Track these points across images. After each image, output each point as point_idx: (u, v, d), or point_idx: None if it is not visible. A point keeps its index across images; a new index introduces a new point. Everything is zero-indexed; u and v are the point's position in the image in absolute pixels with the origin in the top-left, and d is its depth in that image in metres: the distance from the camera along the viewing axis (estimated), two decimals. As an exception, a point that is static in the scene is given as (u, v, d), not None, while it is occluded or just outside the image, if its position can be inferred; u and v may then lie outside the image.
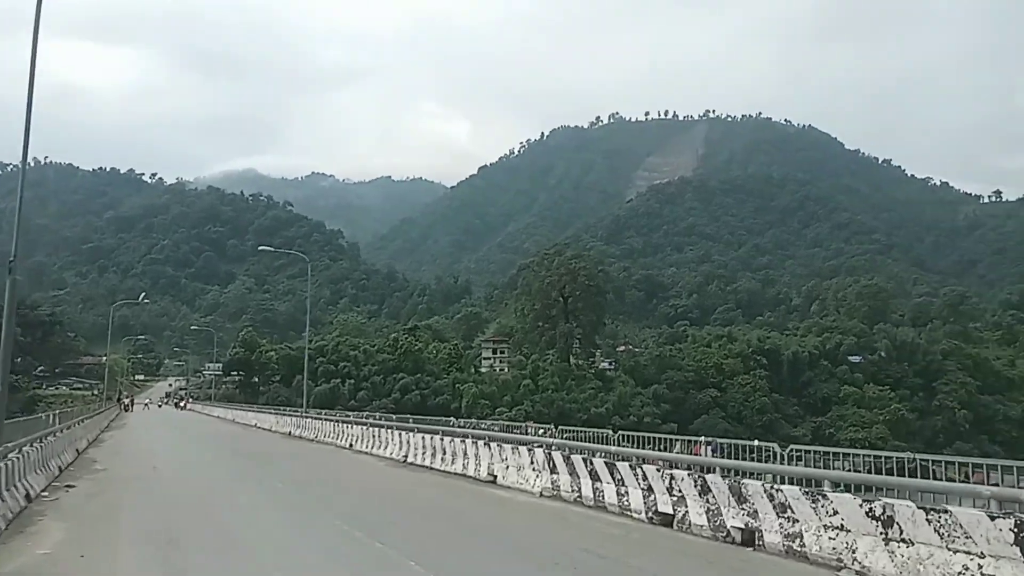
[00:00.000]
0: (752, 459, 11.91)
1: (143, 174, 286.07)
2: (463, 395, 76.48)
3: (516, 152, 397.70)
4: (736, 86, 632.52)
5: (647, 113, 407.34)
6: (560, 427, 21.10)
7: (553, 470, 15.14)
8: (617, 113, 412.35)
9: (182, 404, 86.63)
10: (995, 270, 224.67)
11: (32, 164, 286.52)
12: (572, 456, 14.82)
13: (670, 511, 11.63)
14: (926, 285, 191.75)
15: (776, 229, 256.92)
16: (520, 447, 16.97)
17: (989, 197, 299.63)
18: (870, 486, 10.01)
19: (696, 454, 13.98)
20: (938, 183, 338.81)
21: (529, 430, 20.27)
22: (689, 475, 11.54)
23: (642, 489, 12.37)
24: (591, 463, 14.08)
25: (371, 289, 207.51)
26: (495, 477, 17.44)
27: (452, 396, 77.95)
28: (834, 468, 10.88)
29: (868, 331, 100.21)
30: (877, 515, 8.55)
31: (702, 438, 14.22)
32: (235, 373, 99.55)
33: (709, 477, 11.13)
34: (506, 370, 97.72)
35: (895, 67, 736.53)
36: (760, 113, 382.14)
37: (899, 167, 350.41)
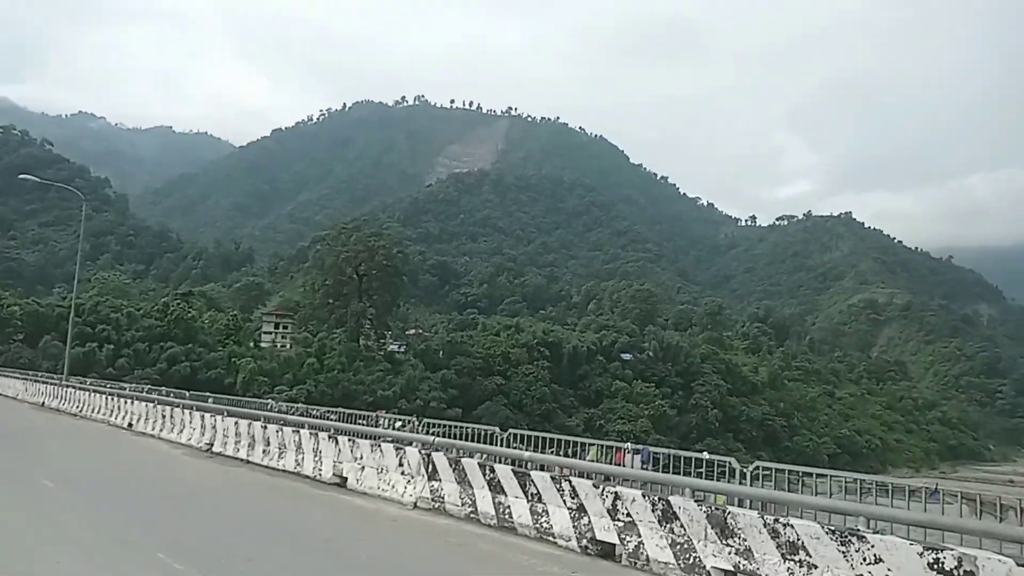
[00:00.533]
0: (696, 474, 10.39)
1: None
2: (239, 370, 71.56)
3: (315, 119, 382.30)
4: (539, 88, 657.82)
5: (452, 101, 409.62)
6: (343, 409, 19.36)
7: (433, 476, 12.58)
8: (423, 96, 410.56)
9: None
10: (745, 286, 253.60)
11: None
12: (464, 460, 12.25)
13: (613, 540, 9.46)
14: (688, 294, 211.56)
15: (563, 230, 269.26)
16: (384, 444, 14.13)
17: (746, 221, 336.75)
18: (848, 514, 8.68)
19: (618, 463, 12.35)
20: (705, 204, 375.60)
21: (382, 421, 18.05)
22: (645, 496, 9.38)
23: (569, 509, 10.14)
24: (492, 471, 11.50)
25: (138, 247, 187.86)
26: (344, 480, 14.56)
27: (227, 370, 72.67)
28: (815, 493, 9.68)
29: (638, 332, 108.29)
30: (948, 569, 6.45)
31: (627, 445, 12.41)
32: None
33: (676, 501, 9.03)
34: (289, 347, 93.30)
35: (680, 95, 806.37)
36: (559, 118, 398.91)
37: (674, 185, 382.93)
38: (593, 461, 12.42)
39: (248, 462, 17.56)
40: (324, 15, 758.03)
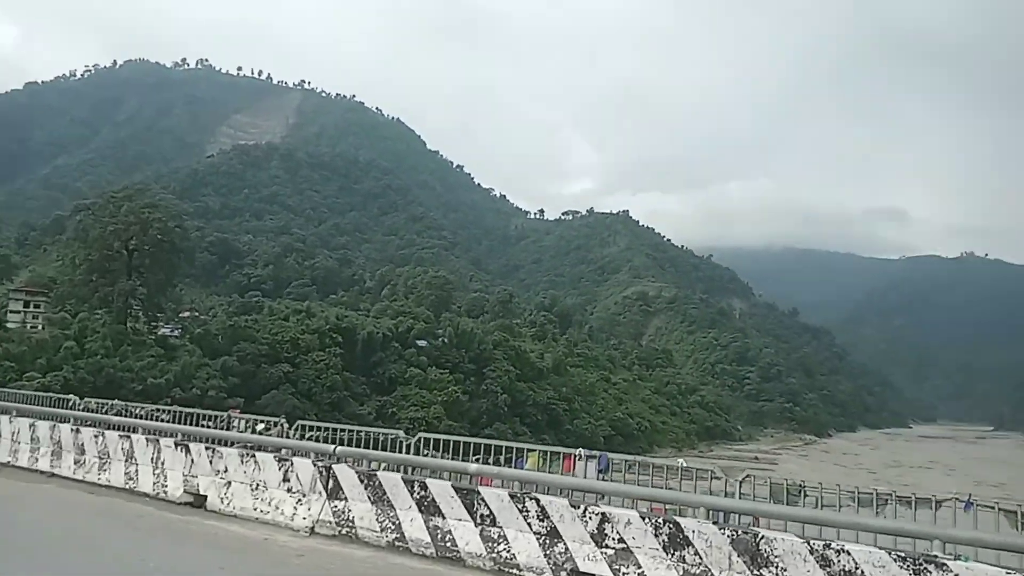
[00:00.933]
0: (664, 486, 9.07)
1: None
2: (-26, 355, 61.92)
3: (79, 75, 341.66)
4: (335, 64, 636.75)
5: (240, 68, 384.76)
6: (113, 399, 16.68)
7: (335, 494, 10.31)
8: (207, 60, 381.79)
9: None
10: (533, 276, 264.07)
11: None
12: (381, 475, 10.16)
13: (602, 572, 7.93)
14: (480, 282, 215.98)
15: (357, 212, 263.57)
16: (260, 454, 11.60)
17: (535, 214, 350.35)
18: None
19: (567, 472, 10.45)
20: (498, 195, 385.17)
21: (236, 421, 14.89)
22: (646, 518, 7.98)
23: (537, 534, 8.55)
24: (423, 488, 9.61)
25: None
26: (202, 498, 11.94)
27: (-38, 355, 62.59)
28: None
29: (434, 318, 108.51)
30: None
31: (579, 451, 10.48)
32: None
33: (689, 523, 7.70)
34: (42, 328, 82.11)
35: (477, 87, 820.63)
36: (355, 96, 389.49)
37: (469, 174, 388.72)
38: (532, 471, 10.78)
39: (55, 476, 14.25)
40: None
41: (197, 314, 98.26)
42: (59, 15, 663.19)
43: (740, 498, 8.72)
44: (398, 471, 10.69)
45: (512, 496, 8.96)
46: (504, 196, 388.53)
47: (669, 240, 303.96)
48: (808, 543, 6.95)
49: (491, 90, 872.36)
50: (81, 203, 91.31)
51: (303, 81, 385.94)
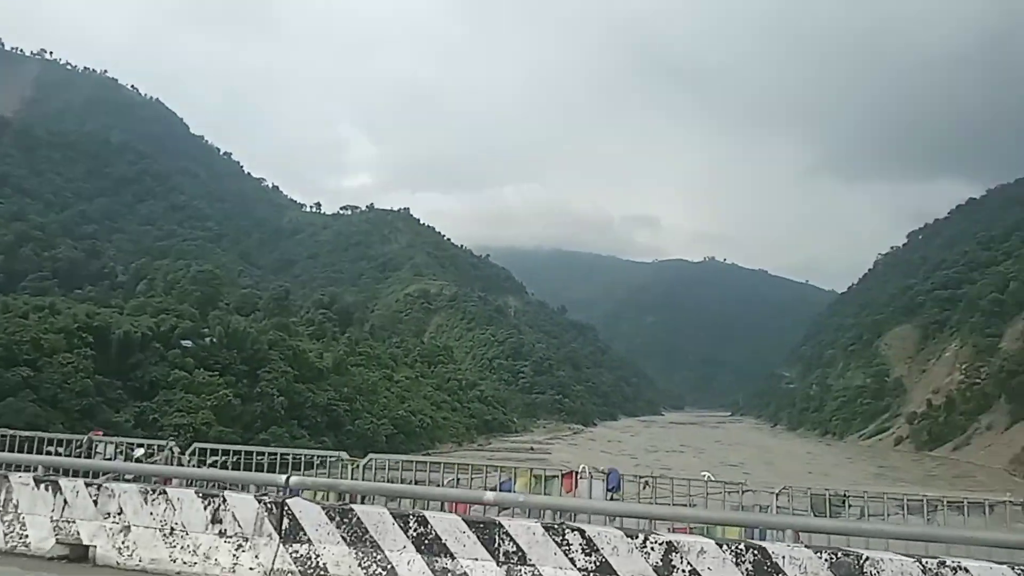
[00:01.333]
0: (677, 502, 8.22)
1: None
2: None
3: None
4: (81, 34, 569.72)
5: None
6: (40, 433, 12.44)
7: (293, 536, 8.24)
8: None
9: None
10: (308, 271, 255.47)
11: None
12: (359, 509, 8.22)
13: None
14: (251, 278, 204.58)
15: (108, 198, 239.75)
16: (173, 490, 9.21)
17: (311, 207, 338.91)
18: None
19: (568, 492, 9.16)
20: (270, 186, 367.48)
21: (102, 446, 11.68)
22: (722, 545, 6.81)
23: (583, 571, 7.13)
24: (422, 523, 7.85)
25: None
26: (85, 549, 9.15)
27: None
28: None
29: (200, 316, 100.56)
30: None
31: (583, 467, 9.24)
32: None
33: (776, 548, 6.62)
34: None
35: (248, 71, 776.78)
36: (106, 71, 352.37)
37: (238, 162, 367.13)
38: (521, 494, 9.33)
39: None
40: None
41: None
42: None
43: (777, 511, 8.15)
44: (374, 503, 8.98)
45: (547, 528, 7.51)
46: (277, 187, 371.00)
47: (449, 239, 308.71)
48: (920, 562, 6.28)
49: (264, 77, 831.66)
50: None
51: (43, 50, 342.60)
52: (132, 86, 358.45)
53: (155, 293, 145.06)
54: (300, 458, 10.69)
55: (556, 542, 7.38)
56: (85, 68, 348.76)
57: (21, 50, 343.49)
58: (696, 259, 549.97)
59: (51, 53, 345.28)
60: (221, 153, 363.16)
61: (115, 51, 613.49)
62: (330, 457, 10.48)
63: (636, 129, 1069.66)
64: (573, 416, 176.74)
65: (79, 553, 9.27)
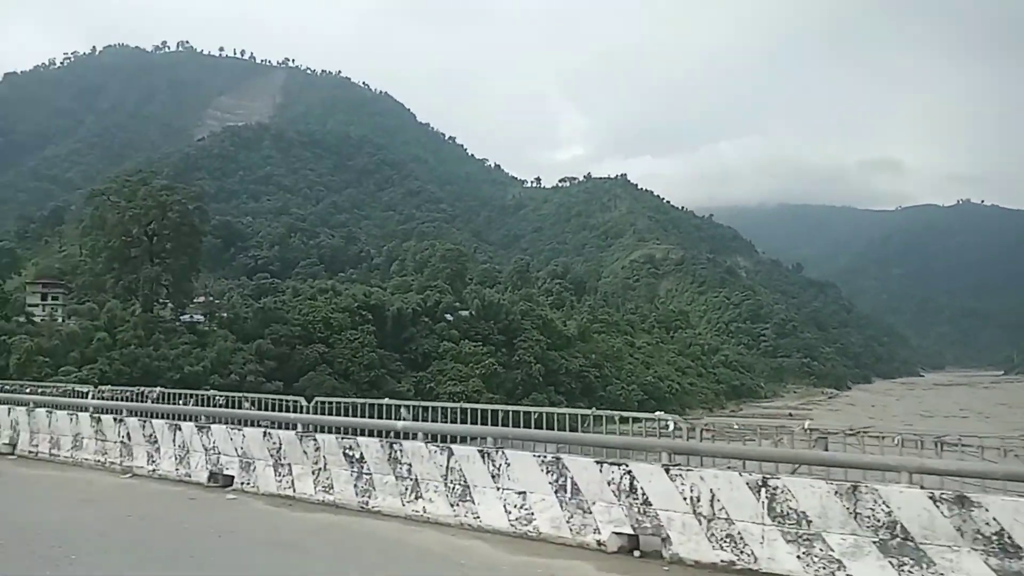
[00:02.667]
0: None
1: None
2: (11, 350, 59.25)
3: (58, 64, 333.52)
4: (318, 41, 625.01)
5: (222, 49, 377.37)
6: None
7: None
8: (187, 42, 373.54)
9: None
10: (535, 245, 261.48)
11: None
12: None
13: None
14: (484, 254, 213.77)
15: (353, 188, 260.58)
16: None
17: (531, 183, 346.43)
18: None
19: None
20: (493, 165, 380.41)
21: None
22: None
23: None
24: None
25: None
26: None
27: (-5, 354, 60.00)
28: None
29: (453, 291, 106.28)
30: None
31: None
32: None
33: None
34: (61, 320, 79.33)
35: (463, 58, 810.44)
36: (340, 71, 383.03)
37: (462, 145, 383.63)
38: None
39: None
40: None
41: (212, 299, 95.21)
42: (34, 3, 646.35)
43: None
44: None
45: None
46: (499, 166, 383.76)
47: (668, 202, 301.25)
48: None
49: (475, 62, 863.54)
50: (96, 189, 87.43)
51: (287, 59, 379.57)
52: (364, 83, 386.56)
53: (407, 272, 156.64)
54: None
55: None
56: (323, 71, 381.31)
57: (269, 61, 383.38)
58: (948, 203, 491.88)
59: (293, 61, 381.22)
60: (446, 138, 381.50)
61: (346, 53, 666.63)
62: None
63: (870, 65, 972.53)
64: (823, 380, 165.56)
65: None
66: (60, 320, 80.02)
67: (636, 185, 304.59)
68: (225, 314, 78.94)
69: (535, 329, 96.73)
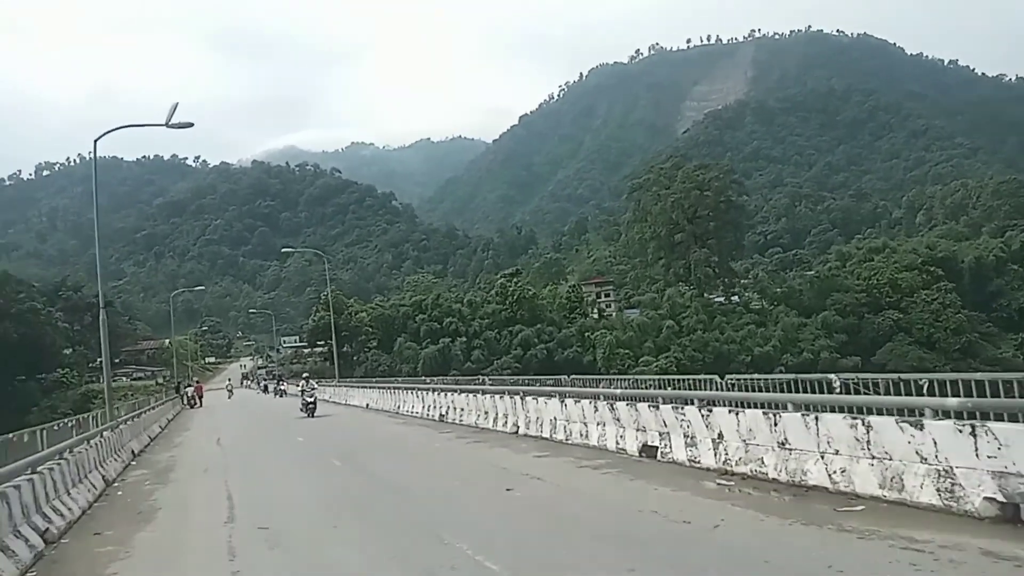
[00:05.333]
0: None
1: (186, 158, 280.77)
2: (596, 345, 65.25)
3: (556, 97, 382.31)
4: (778, 2, 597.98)
5: (689, 41, 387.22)
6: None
7: None
8: (657, 44, 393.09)
9: (279, 387, 56.51)
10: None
11: (76, 161, 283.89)
12: None
13: None
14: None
15: (846, 144, 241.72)
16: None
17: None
18: None
19: None
20: (1013, 79, 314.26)
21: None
22: None
23: None
24: None
25: (432, 249, 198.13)
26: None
27: (582, 348, 66.94)
28: None
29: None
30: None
31: None
32: (321, 343, 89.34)
33: None
34: (614, 313, 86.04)
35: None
36: (809, 27, 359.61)
37: (967, 67, 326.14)
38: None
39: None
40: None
41: (738, 279, 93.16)
42: (527, 51, 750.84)
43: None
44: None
45: None
46: (1021, 78, 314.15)
47: None
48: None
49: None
50: (635, 182, 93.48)
51: (752, 32, 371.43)
52: (837, 31, 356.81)
53: (936, 221, 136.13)
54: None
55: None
56: (790, 31, 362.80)
57: (735, 38, 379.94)
58: None
59: (759, 30, 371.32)
60: (946, 64, 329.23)
61: (810, 4, 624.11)
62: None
63: None
64: None
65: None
66: (613, 314, 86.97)
67: None
68: (779, 289, 75.82)
69: None
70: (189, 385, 53.46)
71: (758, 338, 63.75)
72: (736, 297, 77.88)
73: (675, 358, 61.15)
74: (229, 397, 58.02)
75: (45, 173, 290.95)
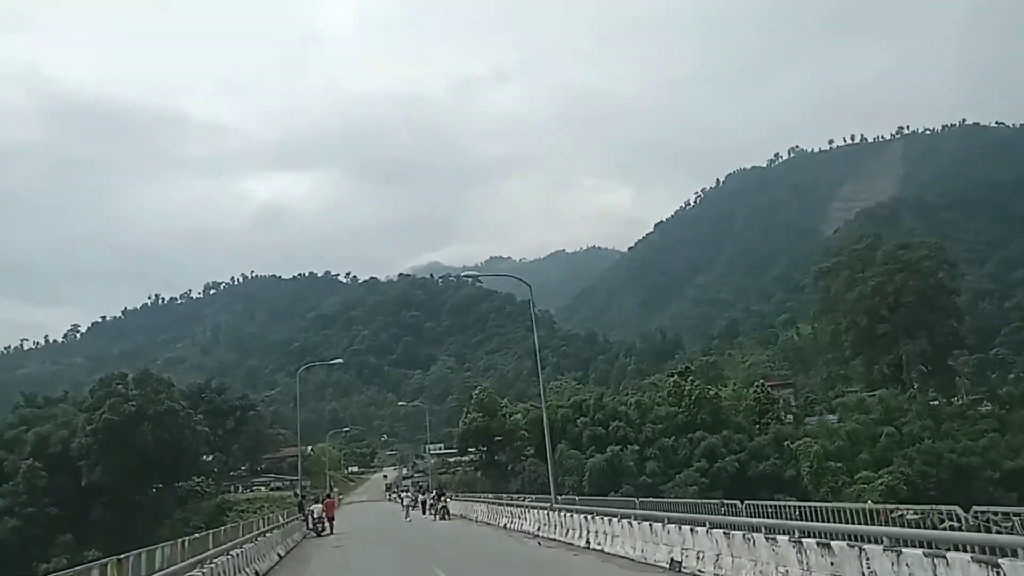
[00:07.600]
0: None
1: (338, 275, 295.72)
2: (798, 456, 55.52)
3: (692, 203, 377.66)
4: (930, 99, 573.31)
5: (831, 141, 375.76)
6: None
7: None
8: (797, 146, 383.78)
9: (438, 505, 46.92)
10: None
11: (240, 280, 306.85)
12: None
13: None
14: None
15: (1021, 239, 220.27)
16: None
17: None
18: None
19: None
20: None
21: None
22: None
23: None
24: None
25: (572, 356, 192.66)
26: None
27: (781, 459, 57.34)
28: None
29: None
30: None
31: None
32: (472, 449, 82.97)
33: None
34: (791, 418, 75.29)
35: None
36: (964, 120, 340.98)
37: None
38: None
39: None
40: (671, 109, 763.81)
41: (959, 376, 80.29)
42: (659, 161, 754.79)
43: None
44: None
45: None
46: None
47: None
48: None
49: None
50: (824, 266, 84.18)
51: (901, 128, 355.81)
52: (996, 123, 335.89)
53: None
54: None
55: None
56: (944, 126, 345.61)
57: (881, 136, 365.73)
58: None
59: (908, 127, 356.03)
60: None
61: (962, 98, 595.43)
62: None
63: None
64: None
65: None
66: (791, 418, 75.99)
67: None
68: (1006, 388, 63.61)
69: None
70: (317, 500, 42.41)
71: (1002, 449, 52.09)
72: (957, 399, 65.91)
73: (901, 473, 50.55)
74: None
75: (212, 292, 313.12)
